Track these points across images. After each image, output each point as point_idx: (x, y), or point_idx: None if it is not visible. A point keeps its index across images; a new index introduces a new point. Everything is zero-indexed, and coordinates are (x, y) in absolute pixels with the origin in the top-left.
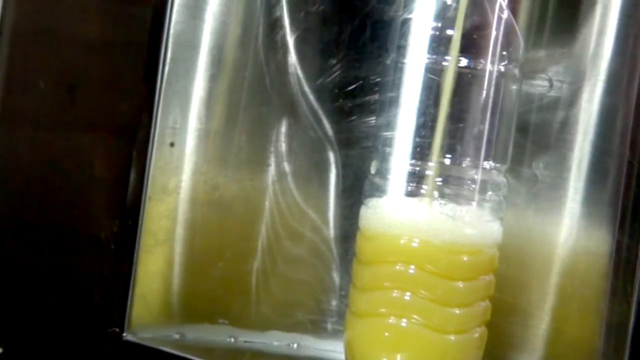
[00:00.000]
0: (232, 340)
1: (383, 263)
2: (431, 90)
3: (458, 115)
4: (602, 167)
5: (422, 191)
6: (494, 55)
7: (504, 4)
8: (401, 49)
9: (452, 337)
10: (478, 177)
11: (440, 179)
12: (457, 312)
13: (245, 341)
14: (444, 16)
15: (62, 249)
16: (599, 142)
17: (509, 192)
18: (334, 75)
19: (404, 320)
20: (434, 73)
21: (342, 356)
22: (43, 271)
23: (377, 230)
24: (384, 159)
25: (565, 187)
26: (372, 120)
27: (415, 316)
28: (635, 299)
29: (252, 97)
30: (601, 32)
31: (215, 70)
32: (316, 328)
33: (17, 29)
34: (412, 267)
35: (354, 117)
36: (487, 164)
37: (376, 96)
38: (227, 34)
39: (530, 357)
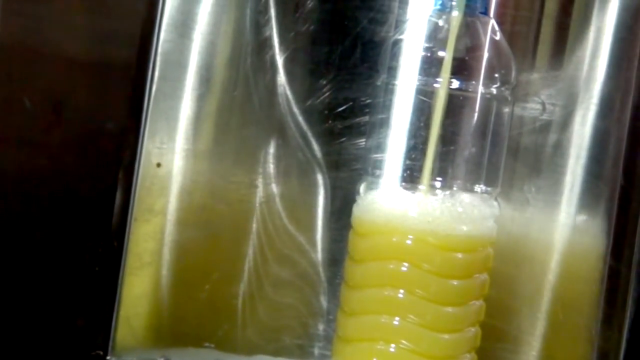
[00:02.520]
0: None
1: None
2: (422, 113)
3: (449, 137)
4: (595, 192)
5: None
6: (485, 77)
7: (497, 26)
8: (392, 70)
9: None
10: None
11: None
12: (447, 337)
13: None
14: (436, 37)
15: (46, 269)
16: (592, 166)
17: (500, 216)
18: (323, 96)
19: (393, 345)
20: (425, 95)
21: None
22: (26, 292)
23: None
24: (374, 181)
25: (557, 211)
26: (362, 142)
27: (404, 341)
28: (626, 326)
29: (240, 117)
30: (594, 55)
31: (204, 90)
32: (303, 353)
33: (2, 46)
34: (405, 264)
35: (343, 139)
36: (478, 187)
37: (366, 118)
38: (215, 54)
39: None
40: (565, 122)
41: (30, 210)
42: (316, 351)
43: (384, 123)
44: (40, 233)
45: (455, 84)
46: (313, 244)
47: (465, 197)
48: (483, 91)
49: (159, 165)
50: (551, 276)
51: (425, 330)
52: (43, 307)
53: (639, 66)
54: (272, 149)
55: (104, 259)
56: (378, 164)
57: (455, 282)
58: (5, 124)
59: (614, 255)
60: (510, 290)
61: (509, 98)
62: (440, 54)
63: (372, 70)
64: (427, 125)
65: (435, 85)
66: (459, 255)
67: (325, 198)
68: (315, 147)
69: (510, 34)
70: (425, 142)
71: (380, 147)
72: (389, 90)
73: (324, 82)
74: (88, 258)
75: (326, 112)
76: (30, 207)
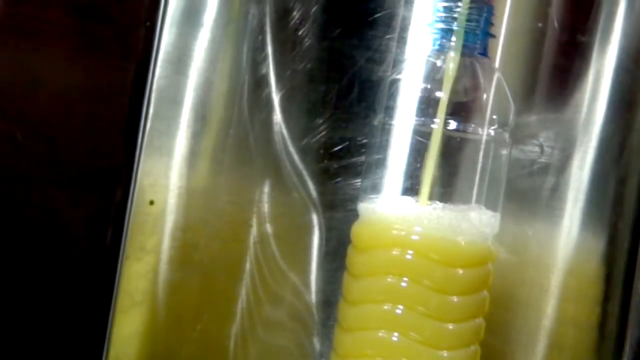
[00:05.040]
0: None
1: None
2: (419, 153)
3: (446, 179)
4: (593, 235)
5: None
6: (483, 119)
7: (495, 67)
8: (389, 110)
9: None
10: None
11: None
12: (446, 354)
13: None
14: (434, 78)
15: (37, 308)
16: (590, 209)
17: (497, 261)
18: (319, 136)
19: None
20: (422, 135)
21: None
22: (16, 330)
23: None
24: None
25: (554, 255)
26: (357, 182)
27: (402, 358)
28: None
29: (235, 155)
30: (593, 98)
31: (199, 127)
32: None
33: None
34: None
35: (339, 179)
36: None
37: (362, 158)
38: (211, 91)
39: None
40: (564, 165)
41: (21, 246)
42: None
43: (380, 163)
44: (31, 270)
45: (453, 125)
46: (307, 285)
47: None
48: (480, 133)
49: (152, 202)
50: (547, 321)
51: (424, 347)
52: (34, 345)
53: None
54: (266, 188)
55: (94, 297)
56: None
57: (455, 298)
58: None
59: (610, 302)
60: (505, 336)
61: (507, 140)
62: (438, 94)
63: (369, 110)
64: (423, 166)
65: (432, 125)
66: (459, 270)
67: (320, 239)
68: (311, 186)
69: (509, 76)
70: (421, 183)
71: (376, 188)
72: (385, 130)
73: (321, 121)
74: (79, 296)
75: (322, 151)
76: (21, 244)
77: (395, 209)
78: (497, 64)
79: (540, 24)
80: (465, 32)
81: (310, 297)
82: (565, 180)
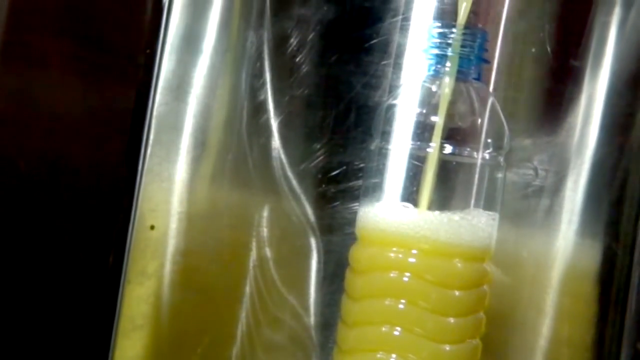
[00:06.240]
0: None
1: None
2: (415, 177)
3: (442, 201)
4: (587, 257)
5: None
6: (478, 143)
7: (489, 92)
8: (385, 135)
9: None
10: None
11: None
12: (448, 348)
13: None
14: (429, 103)
15: (39, 331)
16: (584, 230)
17: (493, 282)
18: (317, 160)
19: (393, 356)
20: (418, 159)
21: None
22: (19, 354)
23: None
24: None
25: (549, 277)
26: (355, 206)
27: (404, 352)
28: None
29: (234, 180)
30: (586, 122)
31: (198, 153)
32: None
33: None
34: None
35: (336, 203)
36: None
37: (360, 182)
38: (210, 117)
39: None
40: (558, 187)
41: (24, 271)
42: None
43: (378, 187)
44: (34, 294)
45: (449, 148)
46: (306, 307)
47: None
48: (476, 156)
49: (152, 227)
50: (542, 341)
51: (426, 341)
52: None
53: None
54: (265, 212)
55: (96, 321)
56: None
57: (452, 319)
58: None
59: (606, 321)
60: (502, 356)
61: (502, 163)
62: (433, 118)
63: (365, 135)
64: (419, 190)
65: (428, 150)
66: (459, 265)
67: (318, 262)
68: (309, 210)
69: (503, 100)
70: (417, 206)
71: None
72: (382, 154)
73: (318, 146)
74: (81, 320)
75: (320, 176)
76: (24, 268)
77: (392, 233)
78: (491, 89)
79: (533, 49)
80: (460, 57)
81: (309, 319)
82: (559, 202)
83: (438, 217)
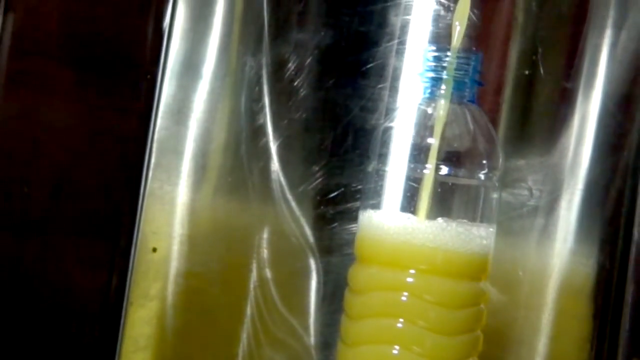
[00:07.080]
0: None
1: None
2: (412, 198)
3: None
4: (582, 275)
5: None
6: (473, 164)
7: (484, 114)
8: (382, 157)
9: None
10: None
11: None
12: None
13: None
14: (425, 125)
15: (42, 354)
16: (578, 249)
17: (489, 301)
18: (316, 182)
19: None
20: (414, 181)
21: None
22: None
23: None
24: None
25: (545, 295)
26: (353, 227)
27: None
28: None
29: (234, 203)
30: (579, 142)
31: (199, 176)
32: None
33: (1, 132)
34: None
35: (335, 224)
36: None
37: (357, 203)
38: (211, 141)
39: None
40: (552, 207)
41: (25, 293)
42: None
43: (375, 209)
44: (36, 317)
45: (444, 170)
46: (306, 327)
47: None
48: (471, 177)
49: (154, 250)
50: (539, 359)
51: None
52: None
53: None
54: (265, 234)
55: (99, 343)
56: None
57: (450, 338)
58: (3, 211)
59: (601, 339)
60: None
61: (497, 184)
62: (429, 140)
63: (363, 157)
64: (416, 210)
65: (424, 171)
66: (457, 284)
67: (318, 282)
68: (308, 232)
69: (497, 121)
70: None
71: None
72: (379, 176)
73: (317, 169)
74: (84, 342)
75: (318, 197)
76: (25, 290)
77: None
78: (485, 111)
79: (527, 71)
80: (455, 80)
81: (310, 339)
82: (553, 221)
83: (433, 261)
